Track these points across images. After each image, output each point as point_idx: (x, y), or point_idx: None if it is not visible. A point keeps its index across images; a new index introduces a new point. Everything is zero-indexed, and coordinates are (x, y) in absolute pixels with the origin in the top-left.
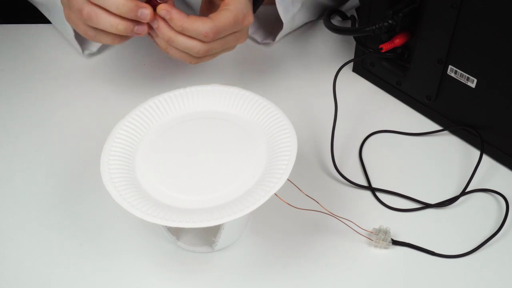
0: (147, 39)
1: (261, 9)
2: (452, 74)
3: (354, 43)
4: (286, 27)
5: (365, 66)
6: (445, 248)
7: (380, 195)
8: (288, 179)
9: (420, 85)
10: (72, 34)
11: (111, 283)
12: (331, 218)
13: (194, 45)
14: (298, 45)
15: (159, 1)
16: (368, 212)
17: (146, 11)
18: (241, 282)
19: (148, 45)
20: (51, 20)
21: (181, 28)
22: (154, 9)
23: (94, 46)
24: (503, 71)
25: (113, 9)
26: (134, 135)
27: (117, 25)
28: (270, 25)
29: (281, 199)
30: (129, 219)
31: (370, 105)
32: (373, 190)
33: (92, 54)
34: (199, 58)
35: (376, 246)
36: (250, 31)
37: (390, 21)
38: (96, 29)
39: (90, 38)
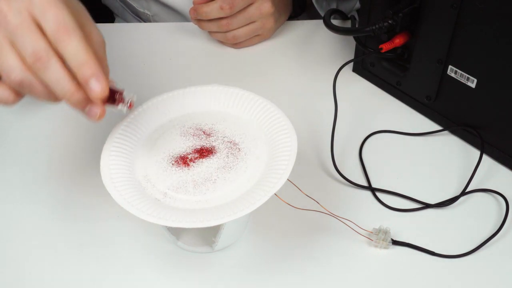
0: (146, 41)
1: None
2: (452, 74)
3: (354, 43)
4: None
5: (365, 66)
6: (445, 248)
7: (380, 195)
8: (288, 179)
9: (420, 85)
10: None
11: (111, 283)
12: (331, 218)
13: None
14: (298, 45)
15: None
16: (368, 212)
17: (96, 110)
18: (241, 282)
19: (147, 45)
20: None
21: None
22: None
23: None
24: (503, 71)
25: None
26: (134, 135)
27: (71, 94)
28: None
29: (281, 199)
30: (129, 219)
31: (370, 105)
32: (373, 190)
33: None
34: (235, 40)
35: (376, 246)
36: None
37: (390, 21)
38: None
39: None
